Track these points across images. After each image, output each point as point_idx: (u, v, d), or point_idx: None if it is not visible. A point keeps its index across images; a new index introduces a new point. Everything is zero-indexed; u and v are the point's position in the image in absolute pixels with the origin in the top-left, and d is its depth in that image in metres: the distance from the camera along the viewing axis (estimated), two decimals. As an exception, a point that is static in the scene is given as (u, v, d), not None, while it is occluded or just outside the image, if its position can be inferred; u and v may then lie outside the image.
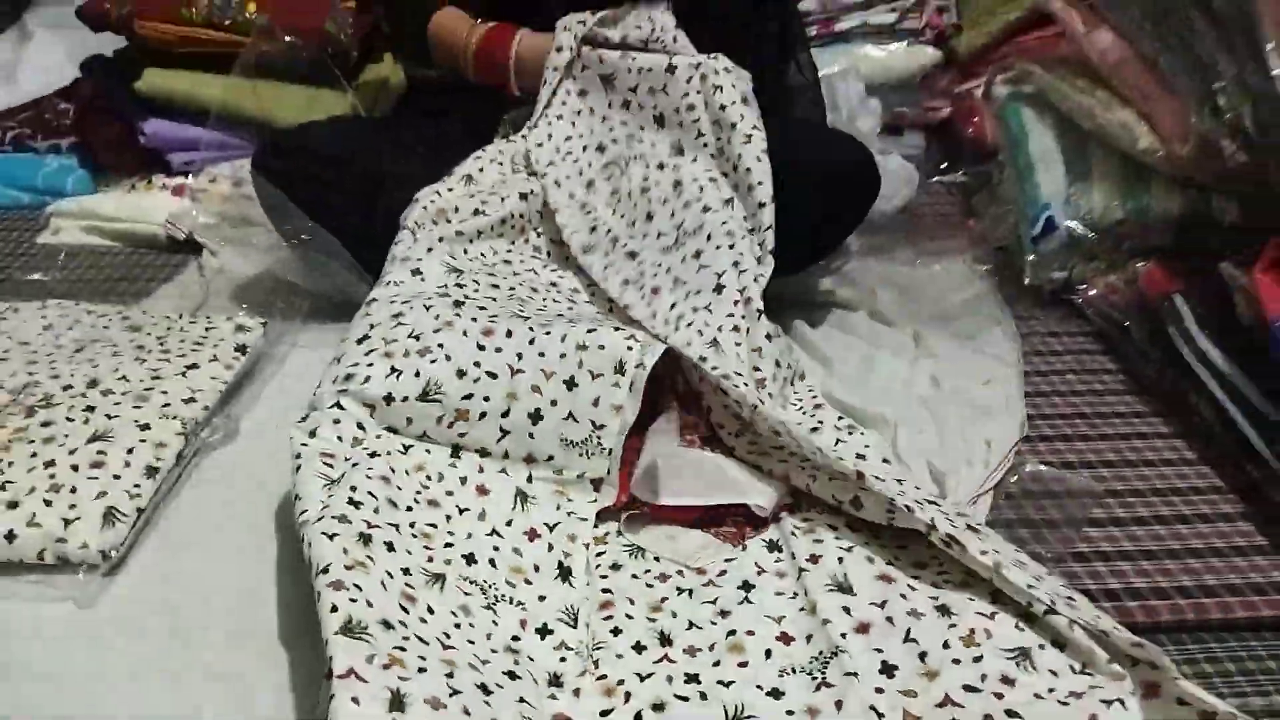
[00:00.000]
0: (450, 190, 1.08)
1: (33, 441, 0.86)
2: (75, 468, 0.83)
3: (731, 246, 0.98)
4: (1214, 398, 0.96)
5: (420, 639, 0.63)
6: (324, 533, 0.69)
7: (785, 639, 0.71)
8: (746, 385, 0.87)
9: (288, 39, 1.38)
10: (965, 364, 1.07)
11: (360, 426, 0.82)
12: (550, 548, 0.79)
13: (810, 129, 1.19)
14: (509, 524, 0.80)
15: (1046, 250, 1.21)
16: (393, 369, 0.84)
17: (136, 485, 0.83)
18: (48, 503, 0.79)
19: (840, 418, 0.93)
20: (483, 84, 1.20)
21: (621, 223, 1.08)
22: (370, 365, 0.84)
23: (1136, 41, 1.19)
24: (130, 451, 0.85)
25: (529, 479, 0.84)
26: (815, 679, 0.67)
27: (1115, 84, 1.21)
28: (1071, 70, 1.30)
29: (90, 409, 0.90)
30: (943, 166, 1.68)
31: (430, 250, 1.00)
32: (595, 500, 0.83)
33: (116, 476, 0.83)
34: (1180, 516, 0.88)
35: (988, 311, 1.20)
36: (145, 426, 0.88)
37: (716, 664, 0.69)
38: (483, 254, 1.06)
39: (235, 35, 1.43)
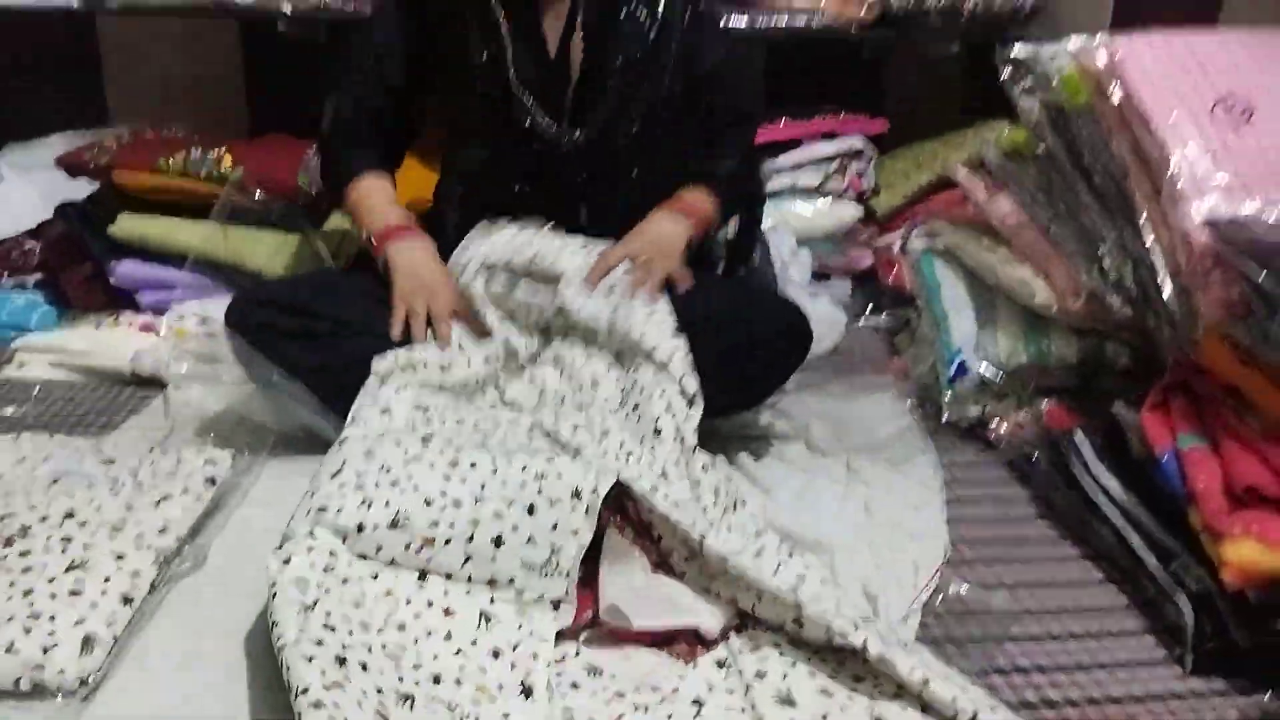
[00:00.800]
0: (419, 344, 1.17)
1: (10, 571, 0.89)
2: (53, 596, 0.86)
3: (662, 395, 1.09)
4: (1113, 523, 1.06)
5: (399, 750, 0.67)
6: (303, 655, 0.73)
7: (735, 750, 0.76)
8: (693, 518, 0.95)
9: (259, 194, 1.47)
10: (894, 491, 1.17)
11: (332, 554, 0.87)
12: (513, 666, 0.84)
13: (751, 293, 1.32)
14: (474, 644, 0.85)
15: (961, 390, 1.33)
16: (364, 500, 0.90)
17: (113, 613, 0.86)
18: (27, 630, 0.82)
19: (781, 542, 1.01)
20: None
21: (569, 385, 1.18)
22: (343, 497, 0.90)
23: (1031, 209, 1.35)
24: (107, 580, 0.89)
25: (492, 600, 0.89)
26: (764, 786, 0.72)
27: (1014, 244, 1.37)
28: (976, 230, 1.46)
29: (67, 539, 0.93)
30: (867, 310, 1.83)
31: (398, 392, 1.08)
32: (555, 619, 0.88)
33: (94, 605, 0.86)
34: (1089, 632, 0.96)
35: (913, 443, 1.30)
36: (120, 556, 0.92)
37: (672, 775, 0.74)
38: (445, 399, 1.14)
39: (210, 186, 1.52)
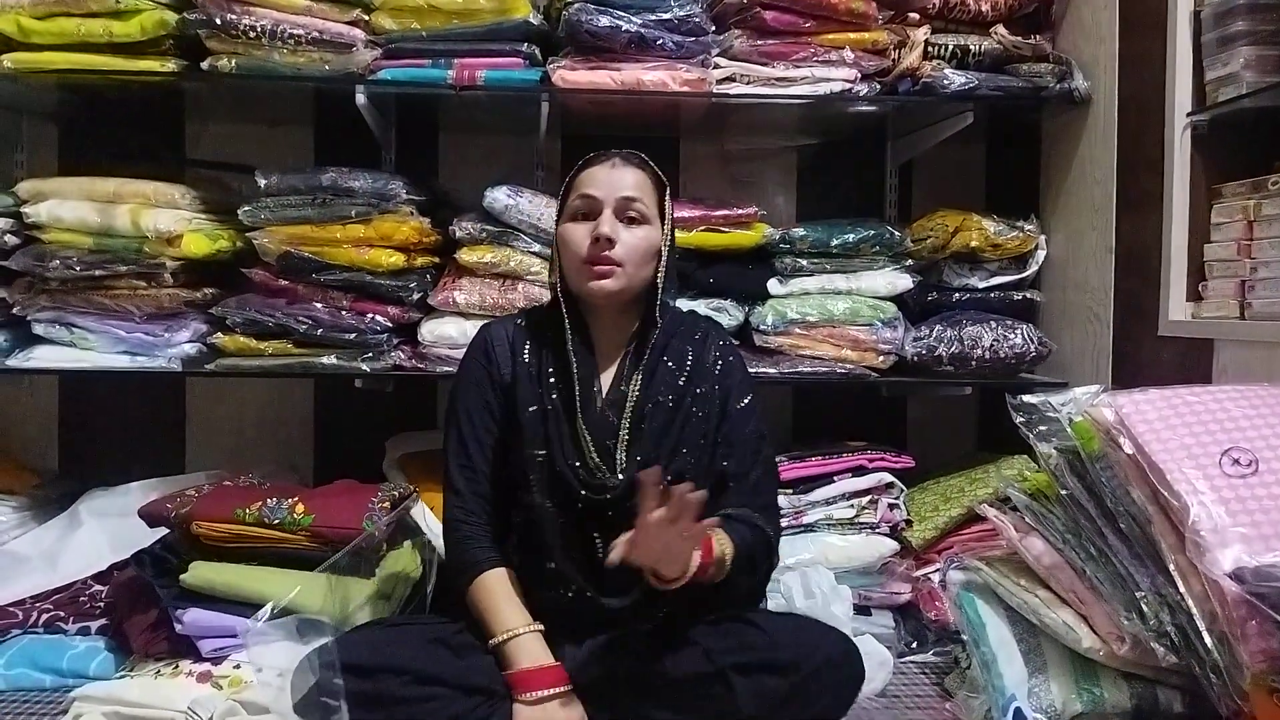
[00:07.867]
0: None
1: None
2: None
3: None
4: None
5: None
6: None
7: None
8: None
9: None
10: None
11: None
12: None
13: (800, 624, 1.34)
14: None
15: (1021, 737, 1.31)
16: None
17: None
18: None
19: None
20: None
21: None
22: None
23: (1064, 550, 1.39)
24: None
25: None
26: None
27: (1053, 585, 1.40)
28: (1013, 569, 1.50)
29: None
30: (913, 646, 1.83)
31: None
32: None
33: None
34: None
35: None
36: None
37: None
38: None
39: (281, 533, 1.61)
